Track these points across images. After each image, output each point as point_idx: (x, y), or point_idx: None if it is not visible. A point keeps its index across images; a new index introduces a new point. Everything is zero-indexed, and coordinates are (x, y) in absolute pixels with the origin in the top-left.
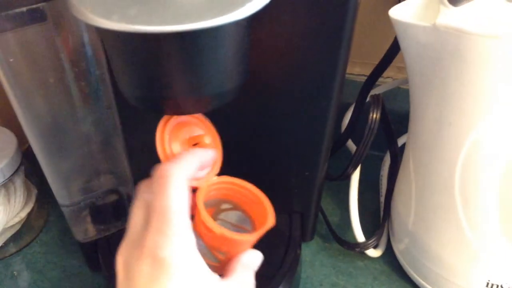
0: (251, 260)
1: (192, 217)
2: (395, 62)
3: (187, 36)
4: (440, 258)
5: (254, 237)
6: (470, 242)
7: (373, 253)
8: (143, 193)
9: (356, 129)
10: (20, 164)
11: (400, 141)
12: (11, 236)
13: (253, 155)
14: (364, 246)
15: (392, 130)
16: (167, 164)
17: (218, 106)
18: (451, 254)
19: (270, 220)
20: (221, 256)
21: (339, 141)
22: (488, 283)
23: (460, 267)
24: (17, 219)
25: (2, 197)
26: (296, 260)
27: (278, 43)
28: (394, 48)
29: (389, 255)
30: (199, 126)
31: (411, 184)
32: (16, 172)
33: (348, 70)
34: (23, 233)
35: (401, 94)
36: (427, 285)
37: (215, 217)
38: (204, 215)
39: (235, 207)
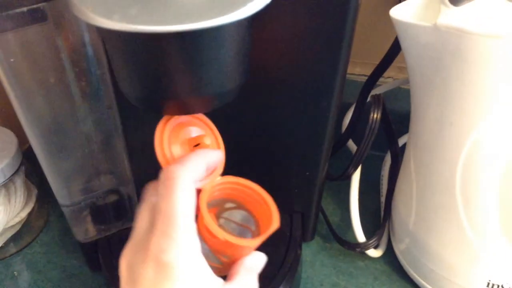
0: (255, 263)
1: (196, 217)
2: (396, 62)
3: (188, 36)
4: (440, 258)
5: (258, 241)
6: (471, 242)
7: (373, 253)
8: (150, 196)
9: (357, 129)
10: (21, 164)
11: (401, 141)
12: (11, 236)
13: (253, 155)
14: (365, 246)
15: (393, 130)
16: (174, 166)
17: (219, 106)
18: (452, 254)
19: (275, 222)
20: (224, 259)
21: (339, 141)
22: (488, 283)
23: (461, 267)
24: (17, 219)
25: (2, 197)
26: (297, 260)
27: (279, 43)
28: (395, 48)
29: (390, 255)
30: (199, 126)
31: (412, 184)
32: (16, 172)
33: (348, 70)
34: (24, 233)
35: (402, 94)
36: (427, 285)
37: (218, 215)
38: (208, 220)
39: (239, 207)
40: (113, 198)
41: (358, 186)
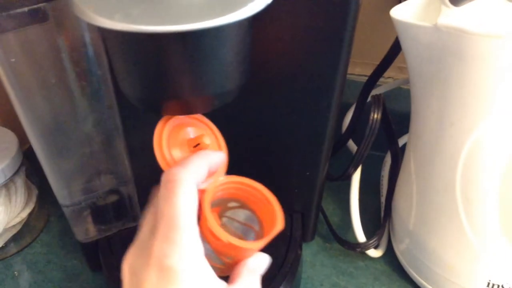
0: (258, 264)
1: (198, 218)
2: (396, 62)
3: (189, 36)
4: (441, 258)
5: (262, 243)
6: (471, 242)
7: (374, 253)
8: (155, 199)
9: (357, 129)
10: (21, 164)
11: (401, 141)
12: (12, 237)
13: (253, 155)
14: (365, 246)
15: (393, 130)
16: (175, 168)
17: (219, 106)
18: (452, 254)
19: (279, 223)
20: (227, 260)
21: (340, 141)
22: (489, 283)
23: (461, 267)
24: (18, 219)
25: (3, 197)
26: (297, 260)
27: (279, 43)
28: (395, 48)
29: (390, 255)
30: (198, 127)
31: (412, 184)
32: (17, 172)
33: (349, 70)
34: (24, 233)
35: (402, 94)
36: (427, 285)
37: (221, 214)
38: (212, 222)
39: (243, 206)
40: (113, 198)
41: (358, 186)
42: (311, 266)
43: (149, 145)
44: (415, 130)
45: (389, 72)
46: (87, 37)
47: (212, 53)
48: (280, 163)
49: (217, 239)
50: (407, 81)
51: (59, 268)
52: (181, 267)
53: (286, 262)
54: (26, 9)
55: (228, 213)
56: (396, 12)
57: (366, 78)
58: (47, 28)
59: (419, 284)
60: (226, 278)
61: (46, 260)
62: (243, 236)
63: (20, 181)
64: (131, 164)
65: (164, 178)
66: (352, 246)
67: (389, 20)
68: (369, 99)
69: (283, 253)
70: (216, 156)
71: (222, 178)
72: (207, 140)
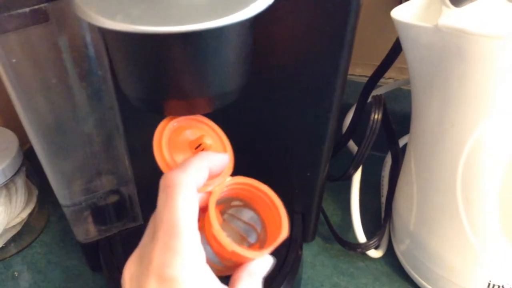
0: (259, 267)
1: (199, 219)
2: (397, 63)
3: (191, 36)
4: (441, 258)
5: (266, 252)
6: (472, 242)
7: (374, 253)
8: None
9: (358, 129)
10: (22, 165)
11: (402, 142)
12: (12, 237)
13: (254, 155)
14: (365, 246)
15: (394, 130)
16: (174, 172)
17: (220, 106)
18: (453, 254)
19: (284, 230)
20: (229, 263)
21: (340, 142)
22: (489, 284)
23: (462, 267)
24: (18, 220)
25: (3, 197)
26: (298, 260)
27: (280, 44)
28: (396, 49)
29: (390, 255)
30: (199, 128)
31: (412, 184)
32: (17, 172)
33: (350, 71)
34: (24, 233)
35: (403, 95)
36: (428, 286)
37: (224, 212)
38: (217, 228)
39: (246, 206)
40: (114, 198)
41: (358, 187)
42: (311, 267)
43: (150, 146)
44: (416, 130)
45: (389, 73)
46: (88, 38)
47: (212, 53)
48: (280, 164)
49: (221, 246)
50: (407, 82)
51: (59, 269)
52: (182, 277)
53: (286, 262)
54: (27, 9)
55: (231, 211)
56: (397, 13)
57: (367, 78)
58: (48, 29)
59: (419, 285)
60: (226, 278)
61: (46, 260)
62: (245, 235)
63: (20, 181)
64: (132, 165)
65: (162, 182)
66: (353, 246)
67: (390, 20)
68: (369, 99)
69: (284, 254)
70: (217, 157)
71: (229, 179)
72: (208, 140)
